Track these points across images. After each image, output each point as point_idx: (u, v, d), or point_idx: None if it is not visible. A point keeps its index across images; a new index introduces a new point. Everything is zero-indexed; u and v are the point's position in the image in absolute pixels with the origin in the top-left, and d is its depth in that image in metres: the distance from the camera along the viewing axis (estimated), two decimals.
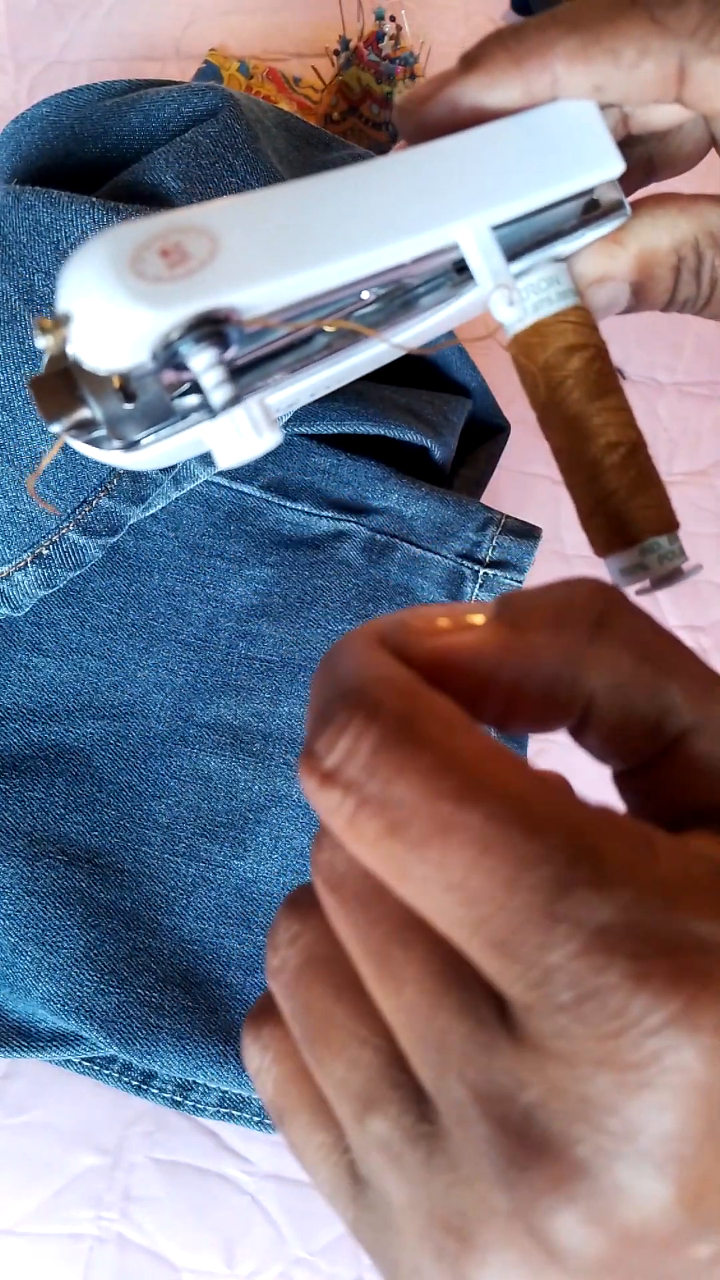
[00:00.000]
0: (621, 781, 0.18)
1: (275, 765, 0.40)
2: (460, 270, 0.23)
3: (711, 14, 0.21)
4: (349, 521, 0.40)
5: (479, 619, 0.17)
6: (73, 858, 0.38)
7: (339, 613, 0.40)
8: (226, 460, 0.19)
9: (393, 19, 0.55)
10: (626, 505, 0.24)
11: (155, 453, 0.21)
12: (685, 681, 0.17)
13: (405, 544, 0.40)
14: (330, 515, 0.40)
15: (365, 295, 0.22)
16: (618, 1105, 0.13)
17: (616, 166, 0.24)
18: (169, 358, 0.18)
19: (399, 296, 0.23)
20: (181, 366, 0.18)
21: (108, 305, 0.17)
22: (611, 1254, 0.14)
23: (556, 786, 0.15)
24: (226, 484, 0.39)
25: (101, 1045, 0.38)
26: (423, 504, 0.40)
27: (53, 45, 0.59)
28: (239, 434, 0.18)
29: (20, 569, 0.34)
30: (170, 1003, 0.38)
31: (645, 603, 0.51)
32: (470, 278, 0.23)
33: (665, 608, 0.51)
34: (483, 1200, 0.14)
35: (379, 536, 0.40)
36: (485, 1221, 0.14)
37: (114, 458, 0.21)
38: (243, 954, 0.39)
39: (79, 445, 0.20)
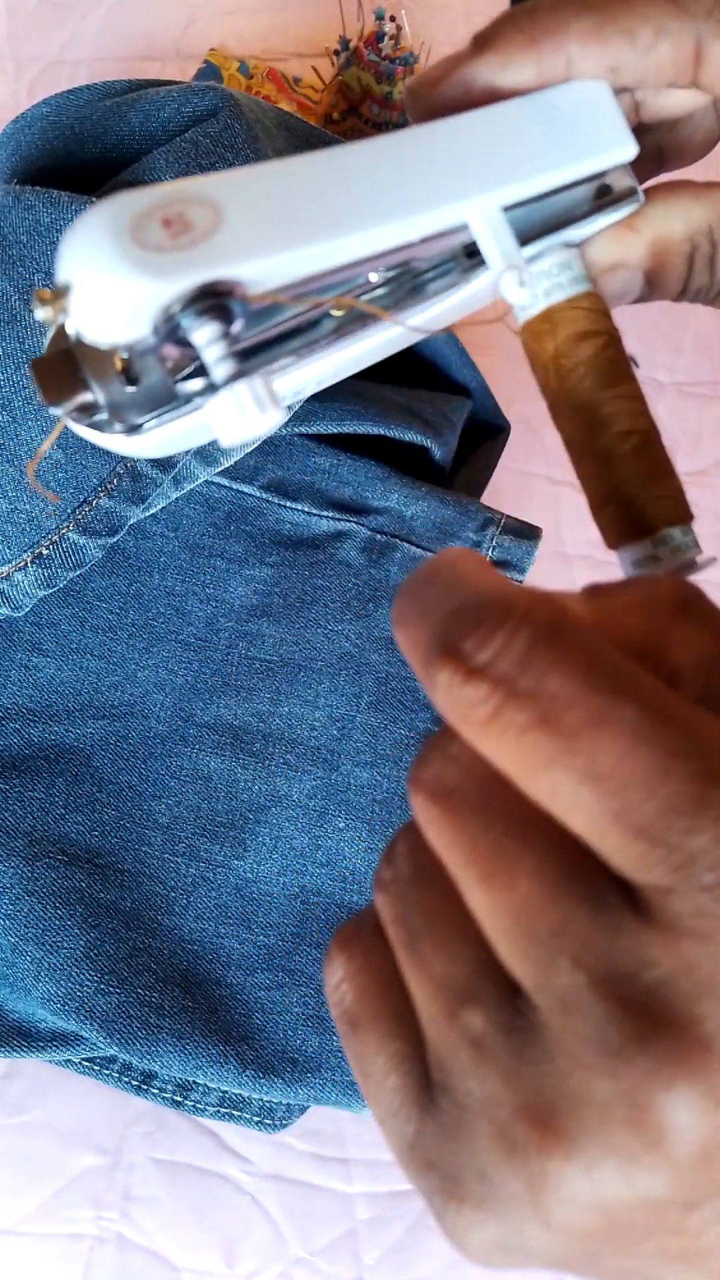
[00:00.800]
0: None
1: (275, 765, 0.40)
2: (471, 255, 0.23)
3: None
4: (349, 521, 0.40)
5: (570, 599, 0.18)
6: (73, 858, 0.38)
7: (339, 612, 0.40)
8: (228, 438, 0.18)
9: (393, 19, 0.55)
10: (639, 496, 0.23)
11: (158, 438, 0.20)
12: None
13: (405, 544, 0.40)
14: (330, 515, 0.40)
15: (374, 277, 0.22)
16: None
17: (630, 149, 0.23)
18: (170, 331, 0.18)
19: (408, 281, 0.22)
20: (184, 342, 0.18)
21: (108, 274, 0.17)
22: (715, 1142, 0.14)
23: (694, 706, 0.15)
24: (226, 484, 0.39)
25: (101, 1045, 0.38)
26: (423, 504, 0.40)
27: (52, 45, 0.59)
28: (241, 411, 0.18)
29: (20, 569, 0.34)
30: (170, 1003, 0.38)
31: None
32: (480, 262, 0.22)
33: None
34: (580, 1089, 0.14)
35: (379, 536, 0.40)
36: (578, 1111, 0.14)
37: (115, 442, 0.20)
38: (243, 954, 0.39)
39: (80, 429, 0.20)
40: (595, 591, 0.18)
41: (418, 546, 0.41)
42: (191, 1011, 0.38)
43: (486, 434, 0.46)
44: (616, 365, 0.24)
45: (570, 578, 0.52)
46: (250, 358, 0.20)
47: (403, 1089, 0.17)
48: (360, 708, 0.40)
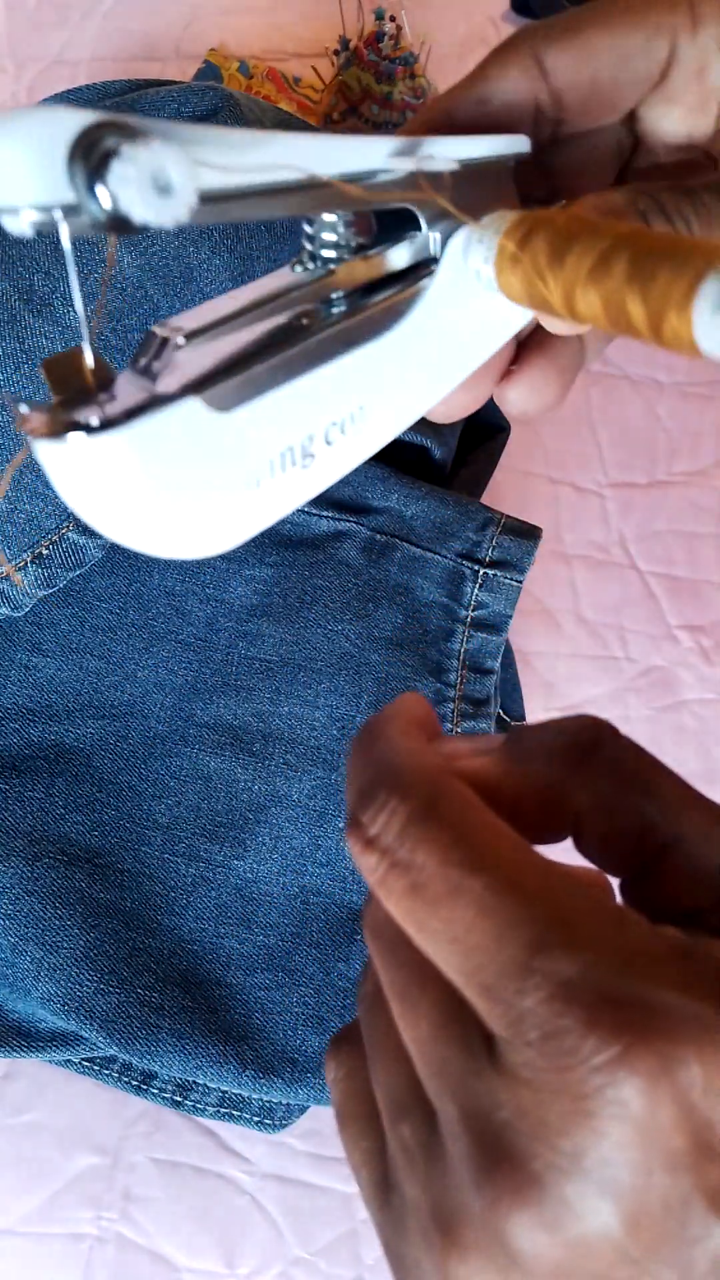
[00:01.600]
0: (624, 890, 0.20)
1: (275, 765, 0.39)
2: (418, 267, 0.22)
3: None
4: (349, 521, 0.40)
5: (493, 746, 0.20)
6: (73, 858, 0.38)
7: (339, 612, 0.40)
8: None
9: (392, 19, 0.55)
10: (659, 274, 0.19)
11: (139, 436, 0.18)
12: (663, 800, 0.19)
13: (405, 544, 0.40)
14: (330, 515, 0.40)
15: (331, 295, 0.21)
16: (568, 1129, 0.15)
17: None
18: (91, 179, 0.15)
19: (356, 299, 0.21)
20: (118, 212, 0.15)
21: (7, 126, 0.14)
22: (563, 1262, 0.16)
23: (553, 869, 0.17)
24: None
25: (101, 1045, 0.38)
26: (423, 504, 0.40)
27: (52, 45, 0.59)
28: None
29: (20, 569, 0.34)
30: (170, 1003, 0.38)
31: (643, 598, 0.51)
32: (426, 273, 0.22)
33: (665, 607, 0.51)
34: (464, 1204, 0.17)
35: (379, 536, 0.40)
36: (465, 1223, 0.17)
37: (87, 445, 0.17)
38: (242, 954, 0.39)
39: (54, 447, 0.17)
40: (512, 738, 0.20)
41: (418, 546, 0.41)
42: (191, 1011, 0.38)
43: (486, 434, 0.46)
44: (566, 230, 0.21)
45: (570, 577, 0.52)
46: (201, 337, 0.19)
47: (370, 1182, 0.19)
48: (360, 708, 0.40)
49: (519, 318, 0.24)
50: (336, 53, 0.57)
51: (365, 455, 0.22)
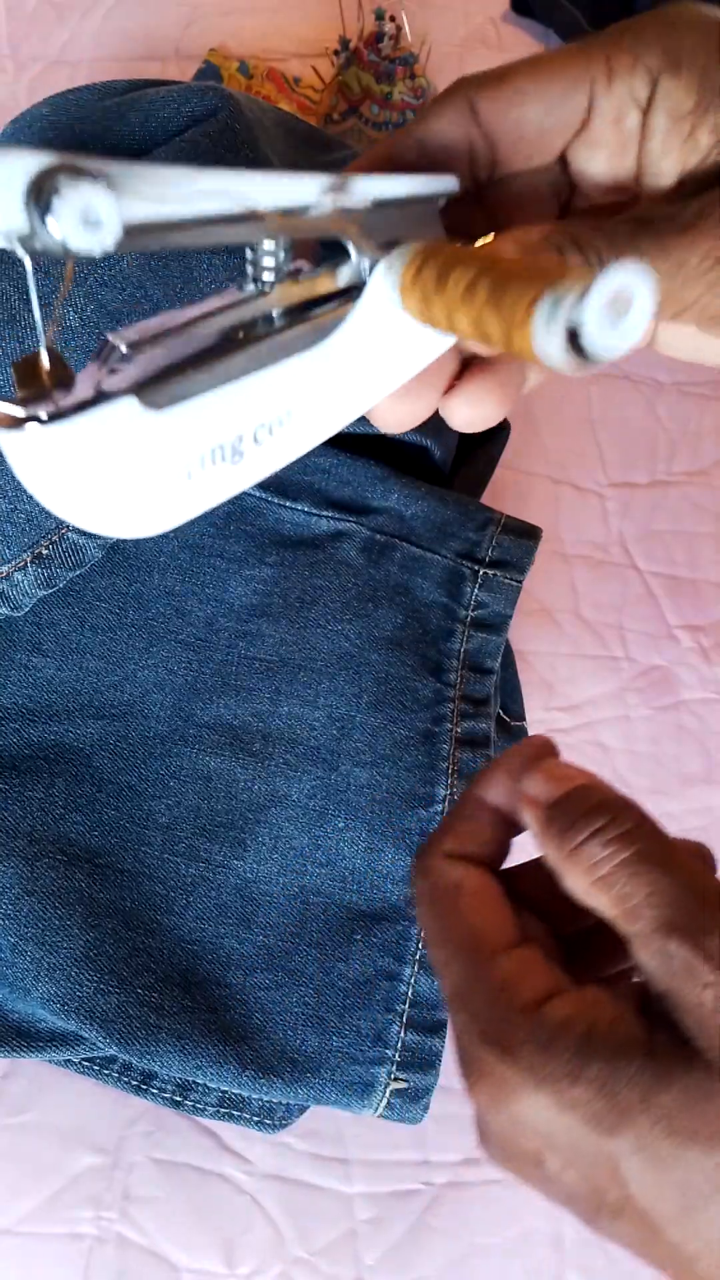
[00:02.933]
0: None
1: (275, 765, 0.39)
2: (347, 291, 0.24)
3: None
4: (349, 521, 0.40)
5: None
6: (73, 858, 0.38)
7: (339, 612, 0.40)
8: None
9: (392, 19, 0.55)
10: (507, 290, 0.21)
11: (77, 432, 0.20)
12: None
13: (405, 544, 0.40)
14: (330, 515, 0.40)
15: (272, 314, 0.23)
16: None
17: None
18: (41, 213, 0.17)
19: (298, 314, 0.23)
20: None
21: None
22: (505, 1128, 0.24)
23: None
24: None
25: (101, 1045, 0.38)
26: (422, 504, 0.40)
27: (53, 45, 0.59)
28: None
29: (20, 569, 0.34)
30: (170, 1003, 0.38)
31: (643, 597, 0.51)
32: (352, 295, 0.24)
33: (665, 607, 0.51)
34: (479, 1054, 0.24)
35: (379, 536, 0.40)
36: (476, 1068, 0.24)
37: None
38: (243, 954, 0.39)
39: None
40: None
41: (417, 546, 0.40)
42: (191, 1011, 0.38)
43: (486, 433, 0.46)
44: (450, 260, 0.23)
45: (570, 577, 0.52)
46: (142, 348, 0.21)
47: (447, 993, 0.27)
48: (360, 707, 0.40)
49: (444, 338, 0.26)
50: (336, 53, 0.57)
51: (294, 455, 0.24)
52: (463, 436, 0.44)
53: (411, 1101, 0.40)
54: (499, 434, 0.47)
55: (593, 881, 0.23)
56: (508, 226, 0.26)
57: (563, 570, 0.51)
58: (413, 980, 0.39)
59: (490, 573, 0.41)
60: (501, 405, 0.27)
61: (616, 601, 0.51)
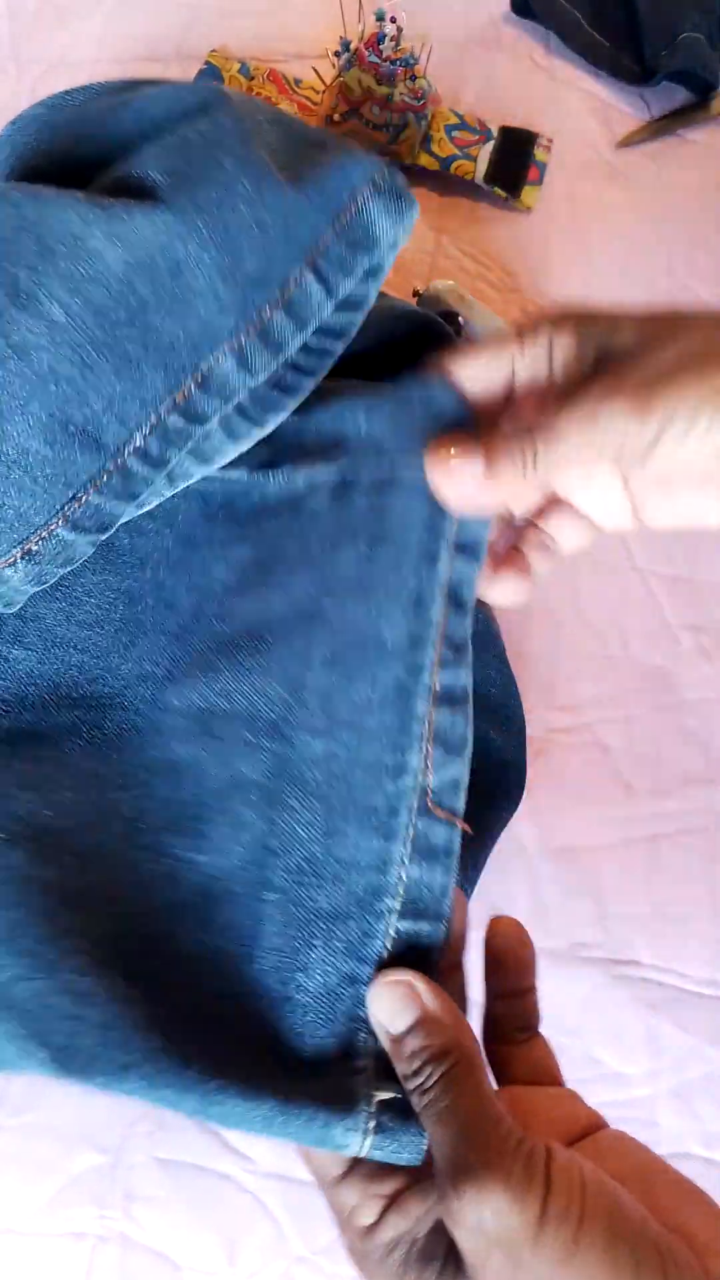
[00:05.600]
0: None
1: (236, 746, 0.37)
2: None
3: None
4: (325, 465, 0.37)
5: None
6: (14, 835, 0.34)
7: (296, 565, 0.37)
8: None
9: (393, 20, 0.55)
10: None
11: None
12: None
13: (377, 463, 0.36)
14: (306, 467, 0.37)
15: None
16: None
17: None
18: None
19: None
20: None
21: None
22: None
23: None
24: (219, 475, 0.38)
25: (15, 1037, 0.32)
26: (384, 409, 0.36)
27: (54, 47, 0.60)
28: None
29: (9, 565, 0.34)
30: (101, 991, 0.32)
31: (644, 598, 0.51)
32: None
33: (665, 607, 0.51)
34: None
35: (348, 476, 0.37)
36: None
37: None
38: (199, 956, 0.34)
39: None
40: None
41: (390, 463, 0.36)
42: (125, 1002, 0.32)
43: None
44: None
45: (570, 577, 0.52)
46: None
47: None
48: (311, 665, 0.36)
49: None
50: (337, 54, 0.57)
51: None
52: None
53: (403, 1119, 0.32)
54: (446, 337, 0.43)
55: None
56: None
57: (563, 570, 0.51)
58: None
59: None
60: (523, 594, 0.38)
61: (616, 602, 0.51)
